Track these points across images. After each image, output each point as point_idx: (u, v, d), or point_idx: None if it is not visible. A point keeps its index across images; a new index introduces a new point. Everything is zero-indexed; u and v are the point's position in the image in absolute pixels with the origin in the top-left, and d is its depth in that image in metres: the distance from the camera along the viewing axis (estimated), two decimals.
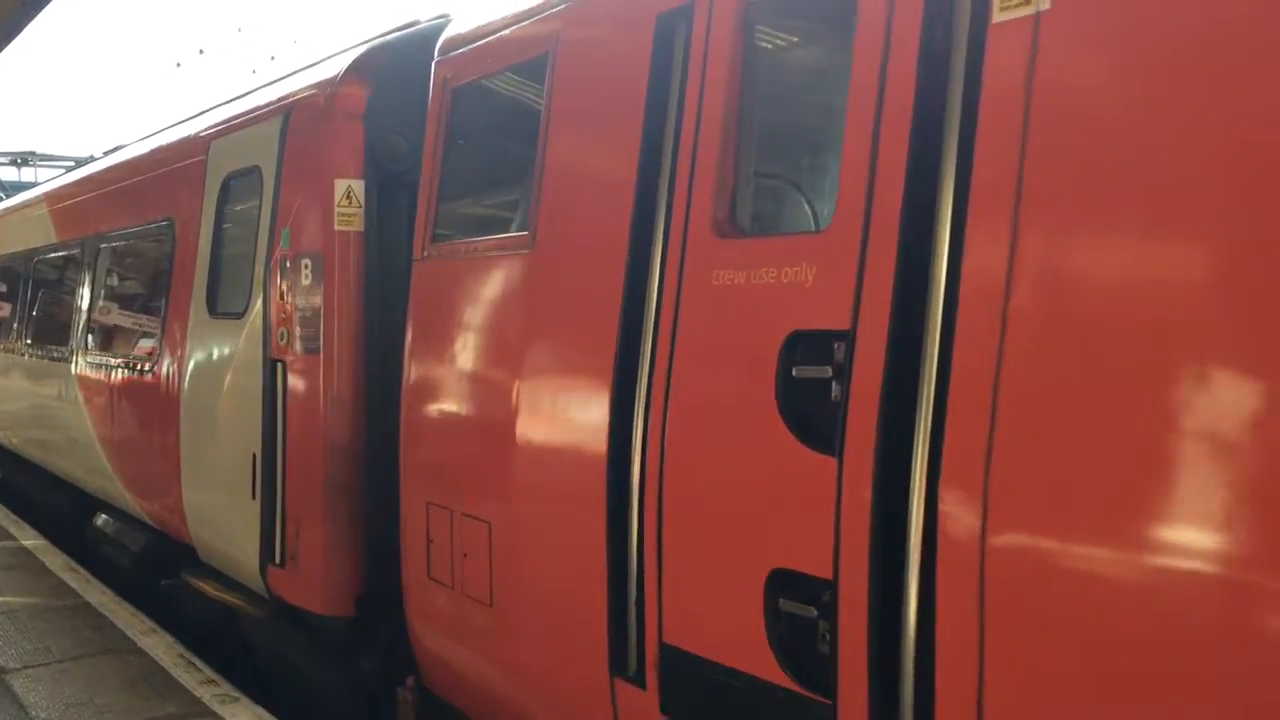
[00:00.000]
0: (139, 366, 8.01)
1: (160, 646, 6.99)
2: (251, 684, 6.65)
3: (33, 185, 18.33)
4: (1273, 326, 2.14)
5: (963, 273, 2.68)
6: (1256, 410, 2.17)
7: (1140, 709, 2.31)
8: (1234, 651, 2.17)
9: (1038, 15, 2.59)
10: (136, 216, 8.52)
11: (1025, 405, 2.52)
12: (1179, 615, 2.25)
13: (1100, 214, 2.43)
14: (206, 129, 7.42)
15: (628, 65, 3.77)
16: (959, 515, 2.63)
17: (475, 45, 4.69)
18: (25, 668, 6.54)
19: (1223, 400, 2.21)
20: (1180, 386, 2.27)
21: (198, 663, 6.67)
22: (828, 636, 2.95)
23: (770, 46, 3.47)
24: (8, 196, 19.92)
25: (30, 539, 10.30)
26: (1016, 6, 2.63)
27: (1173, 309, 2.30)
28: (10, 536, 10.41)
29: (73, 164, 23.16)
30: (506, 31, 4.49)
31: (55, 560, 9.43)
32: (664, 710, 3.49)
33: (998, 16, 2.67)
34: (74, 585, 8.56)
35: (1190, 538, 2.25)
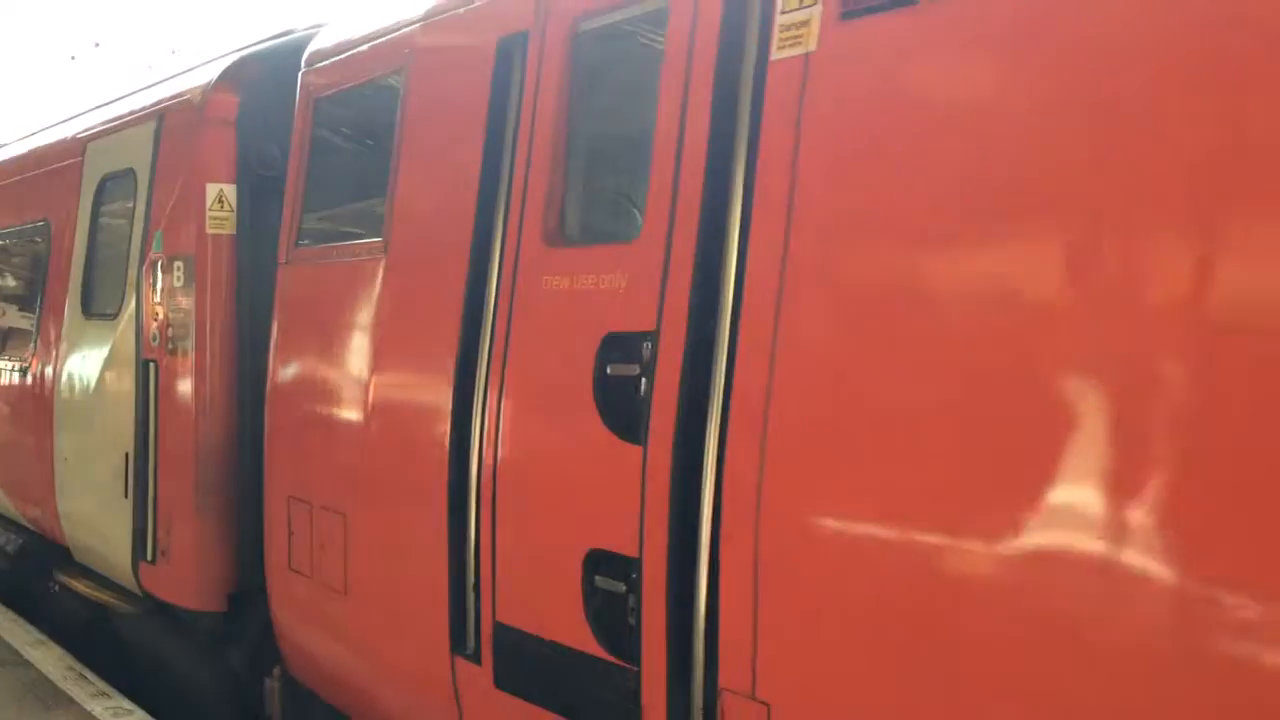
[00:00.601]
0: (14, 367, 7.99)
1: (49, 659, 6.89)
2: (141, 688, 6.67)
3: None
4: (980, 329, 2.50)
5: (745, 281, 3.00)
6: (958, 402, 2.52)
7: (882, 661, 2.65)
8: (969, 609, 2.51)
9: (806, 55, 2.93)
10: (13, 217, 8.48)
11: (790, 399, 2.85)
12: (920, 580, 2.60)
13: (851, 228, 2.77)
14: (83, 131, 7.46)
15: (472, 85, 4.03)
16: (739, 497, 2.95)
17: (337, 59, 4.90)
18: None
19: (949, 394, 2.57)
20: (914, 380, 2.63)
21: (89, 675, 6.59)
22: (634, 609, 3.25)
23: (596, 72, 3.77)
24: None
25: None
26: (789, 46, 2.98)
27: (913, 312, 2.65)
28: None
29: None
30: (365, 47, 4.72)
31: None
32: (498, 684, 3.76)
33: (775, 55, 3.01)
34: None
35: (928, 512, 2.60)
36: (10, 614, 7.94)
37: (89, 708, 6.03)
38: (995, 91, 2.54)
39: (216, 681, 6.06)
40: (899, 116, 2.72)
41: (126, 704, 6.15)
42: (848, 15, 2.84)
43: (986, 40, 2.58)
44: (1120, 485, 2.28)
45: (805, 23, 2.95)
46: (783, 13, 3.01)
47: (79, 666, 6.76)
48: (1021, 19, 2.52)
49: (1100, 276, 2.33)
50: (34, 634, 7.44)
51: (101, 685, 6.44)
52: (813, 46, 2.92)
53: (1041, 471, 2.39)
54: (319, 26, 5.94)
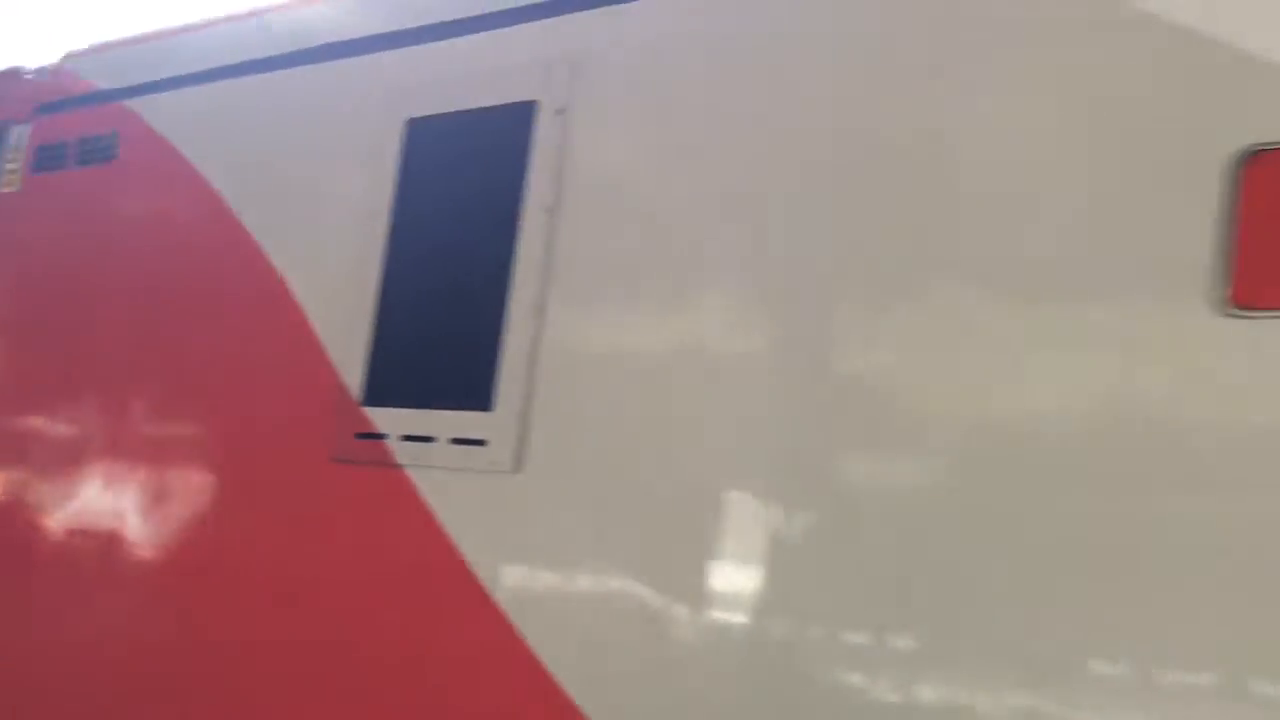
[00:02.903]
0: None
1: None
2: None
3: None
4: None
5: None
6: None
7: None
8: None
9: (16, 193, 4.37)
10: None
11: None
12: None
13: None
14: None
15: None
16: None
17: None
18: None
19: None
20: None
21: None
22: None
23: None
24: None
25: None
26: (8, 186, 4.41)
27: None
28: None
29: None
30: None
31: None
32: None
33: (1, 189, 4.43)
34: None
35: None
36: None
37: None
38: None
39: None
40: (43, 243, 4.25)
41: None
42: (34, 171, 4.32)
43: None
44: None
45: (16, 169, 4.40)
46: (7, 160, 4.44)
47: None
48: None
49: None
50: None
51: None
52: (19, 187, 4.38)
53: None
54: None
